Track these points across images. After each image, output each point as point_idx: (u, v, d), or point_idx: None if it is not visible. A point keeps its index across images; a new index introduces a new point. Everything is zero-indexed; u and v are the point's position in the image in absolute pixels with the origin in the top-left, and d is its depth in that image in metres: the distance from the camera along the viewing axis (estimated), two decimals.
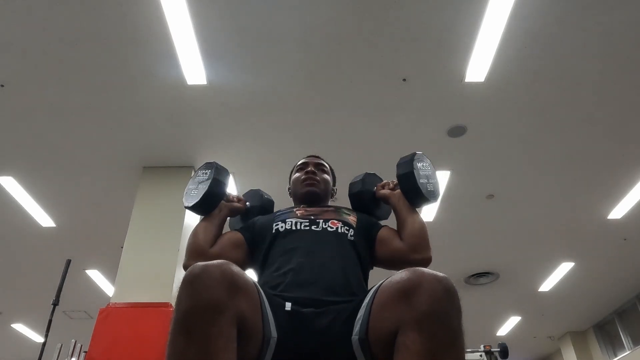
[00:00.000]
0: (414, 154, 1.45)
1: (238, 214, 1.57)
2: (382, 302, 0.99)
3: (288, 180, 1.68)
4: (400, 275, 0.97)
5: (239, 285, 0.93)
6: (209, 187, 1.41)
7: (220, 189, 1.44)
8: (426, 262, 1.29)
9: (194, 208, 1.43)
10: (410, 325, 0.88)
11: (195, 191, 1.44)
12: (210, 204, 1.44)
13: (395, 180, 1.48)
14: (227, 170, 1.49)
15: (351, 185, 1.56)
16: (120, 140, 3.75)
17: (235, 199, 1.54)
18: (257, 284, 1.06)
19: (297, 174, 1.60)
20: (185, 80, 3.21)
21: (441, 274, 0.92)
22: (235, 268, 0.94)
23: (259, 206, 1.57)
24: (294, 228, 1.34)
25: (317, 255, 1.23)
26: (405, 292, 0.92)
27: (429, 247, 1.32)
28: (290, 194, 1.64)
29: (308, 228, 1.33)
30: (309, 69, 3.20)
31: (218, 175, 1.43)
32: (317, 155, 1.68)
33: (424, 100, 3.44)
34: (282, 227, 1.35)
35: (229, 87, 3.31)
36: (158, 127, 3.63)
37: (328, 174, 1.63)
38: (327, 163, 1.67)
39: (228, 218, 1.55)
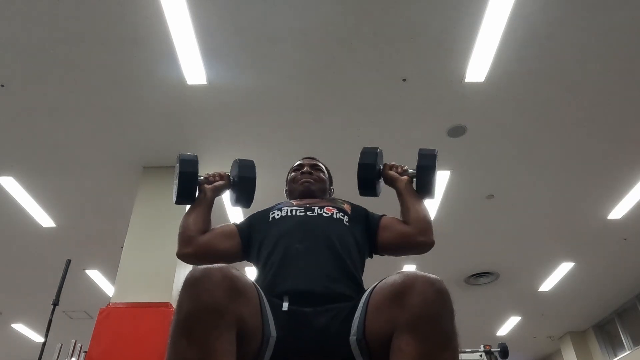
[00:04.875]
0: (436, 150, 1.53)
1: (226, 190, 1.55)
2: (376, 304, 1.00)
3: (285, 182, 1.69)
4: (393, 278, 0.99)
5: (239, 288, 0.93)
6: (179, 181, 1.46)
7: (189, 179, 1.47)
8: (430, 245, 1.37)
9: (178, 203, 1.50)
10: (404, 328, 0.90)
11: (175, 187, 1.49)
12: (187, 195, 1.49)
13: (405, 166, 1.54)
14: (191, 158, 1.49)
15: (365, 154, 1.54)
16: (120, 140, 3.75)
17: (217, 177, 1.53)
18: (256, 284, 1.07)
19: (293, 174, 1.62)
20: (185, 80, 3.22)
21: (434, 276, 0.93)
22: (236, 271, 0.95)
23: (239, 175, 1.54)
24: (289, 214, 1.37)
25: (312, 240, 1.26)
26: (398, 295, 0.93)
27: (433, 232, 1.38)
28: (287, 195, 1.66)
29: (303, 214, 1.36)
30: (309, 69, 3.20)
31: (182, 168, 1.46)
32: (312, 156, 1.70)
33: (424, 100, 3.43)
34: (277, 214, 1.38)
35: (229, 87, 3.31)
36: (158, 127, 3.64)
37: (324, 173, 1.65)
38: (323, 164, 1.68)
39: (223, 195, 1.57)
